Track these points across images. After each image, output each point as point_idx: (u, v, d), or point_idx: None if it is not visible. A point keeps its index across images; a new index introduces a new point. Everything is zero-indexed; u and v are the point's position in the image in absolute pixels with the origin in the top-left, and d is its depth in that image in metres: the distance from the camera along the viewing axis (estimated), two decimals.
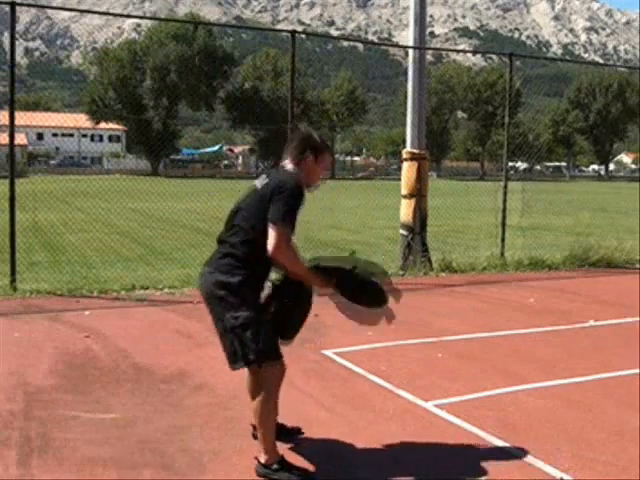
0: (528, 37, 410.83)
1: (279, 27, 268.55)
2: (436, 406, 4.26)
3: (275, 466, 3.26)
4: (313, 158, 3.39)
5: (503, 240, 10.01)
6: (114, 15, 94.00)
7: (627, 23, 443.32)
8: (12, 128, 7.36)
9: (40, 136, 69.45)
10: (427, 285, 8.55)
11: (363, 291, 3.44)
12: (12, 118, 7.34)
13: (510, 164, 10.64)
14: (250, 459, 3.37)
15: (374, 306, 3.50)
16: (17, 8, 7.35)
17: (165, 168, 63.33)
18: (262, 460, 3.28)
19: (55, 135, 68.80)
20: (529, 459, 3.53)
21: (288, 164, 3.41)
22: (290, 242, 3.20)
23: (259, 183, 3.37)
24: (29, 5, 8.23)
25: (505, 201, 10.01)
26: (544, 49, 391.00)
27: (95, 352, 5.33)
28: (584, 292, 8.27)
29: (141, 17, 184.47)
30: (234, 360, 3.27)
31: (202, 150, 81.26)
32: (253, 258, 3.25)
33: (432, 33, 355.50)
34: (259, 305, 3.31)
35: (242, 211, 3.35)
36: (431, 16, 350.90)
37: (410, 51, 9.87)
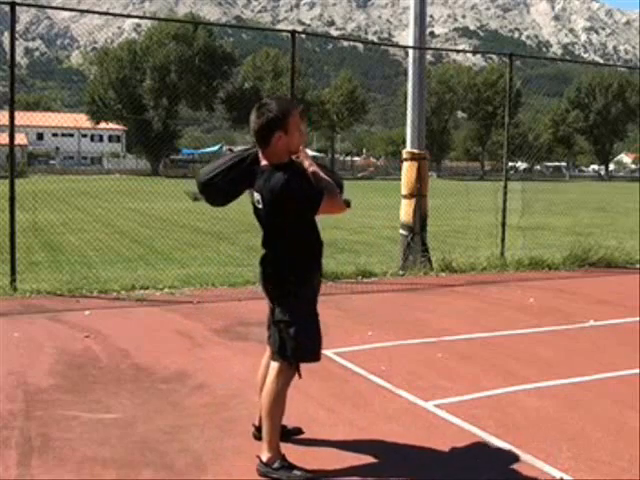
0: (528, 37, 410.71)
1: (279, 27, 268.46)
2: (436, 406, 4.26)
3: (276, 465, 3.27)
4: (281, 134, 3.20)
5: (503, 240, 10.01)
6: (114, 15, 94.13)
7: (627, 23, 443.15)
8: (12, 128, 7.36)
9: (40, 136, 69.33)
10: (427, 285, 8.55)
11: None
12: (12, 118, 7.33)
13: (510, 164, 10.64)
14: (250, 459, 3.37)
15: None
16: (17, 8, 7.34)
17: (165, 168, 63.25)
18: (264, 459, 3.29)
19: (55, 135, 68.67)
20: (529, 459, 3.52)
21: (263, 160, 3.30)
22: (327, 200, 3.18)
23: (256, 199, 3.30)
24: (29, 5, 8.23)
25: (505, 201, 10.00)
26: (544, 49, 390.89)
27: (95, 352, 5.33)
28: (584, 292, 8.27)
29: (141, 17, 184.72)
30: (274, 351, 3.35)
31: (202, 150, 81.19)
32: (294, 251, 3.27)
33: (432, 33, 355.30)
34: (309, 304, 3.32)
35: (262, 213, 3.31)
36: (431, 16, 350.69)
37: (410, 51, 9.86)
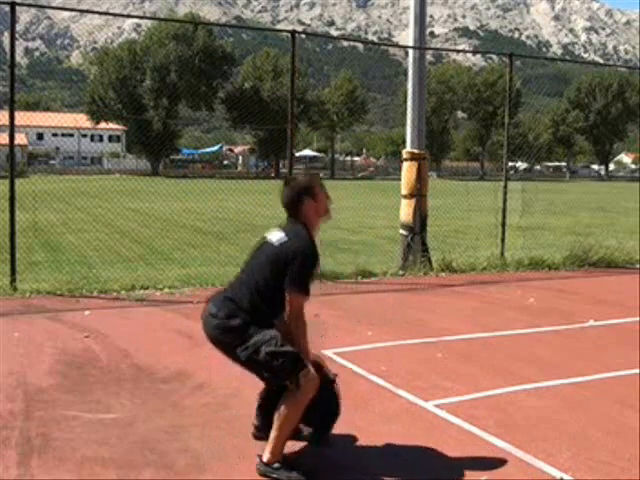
0: (528, 37, 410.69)
1: (279, 27, 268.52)
2: (436, 406, 4.26)
3: (276, 465, 3.27)
4: (311, 200, 3.44)
5: (503, 240, 10.01)
6: (114, 15, 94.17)
7: (627, 23, 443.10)
8: (12, 128, 7.36)
9: (40, 136, 69.39)
10: (427, 285, 8.55)
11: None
12: (12, 118, 7.34)
13: (510, 164, 10.65)
14: (250, 459, 3.37)
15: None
16: (17, 8, 7.35)
17: (165, 168, 63.27)
18: (265, 459, 3.29)
19: (55, 135, 68.60)
20: (529, 459, 3.53)
21: (294, 220, 3.46)
22: (303, 312, 3.30)
23: (275, 239, 3.40)
24: (29, 5, 8.23)
25: (505, 201, 10.01)
26: (544, 49, 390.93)
27: (95, 352, 5.33)
28: (584, 292, 8.27)
29: (141, 17, 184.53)
30: (270, 384, 3.40)
31: (202, 150, 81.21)
32: (256, 309, 3.32)
33: (432, 33, 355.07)
34: (264, 331, 3.30)
35: (255, 264, 3.43)
36: (431, 16, 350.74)
37: (410, 51, 9.87)
